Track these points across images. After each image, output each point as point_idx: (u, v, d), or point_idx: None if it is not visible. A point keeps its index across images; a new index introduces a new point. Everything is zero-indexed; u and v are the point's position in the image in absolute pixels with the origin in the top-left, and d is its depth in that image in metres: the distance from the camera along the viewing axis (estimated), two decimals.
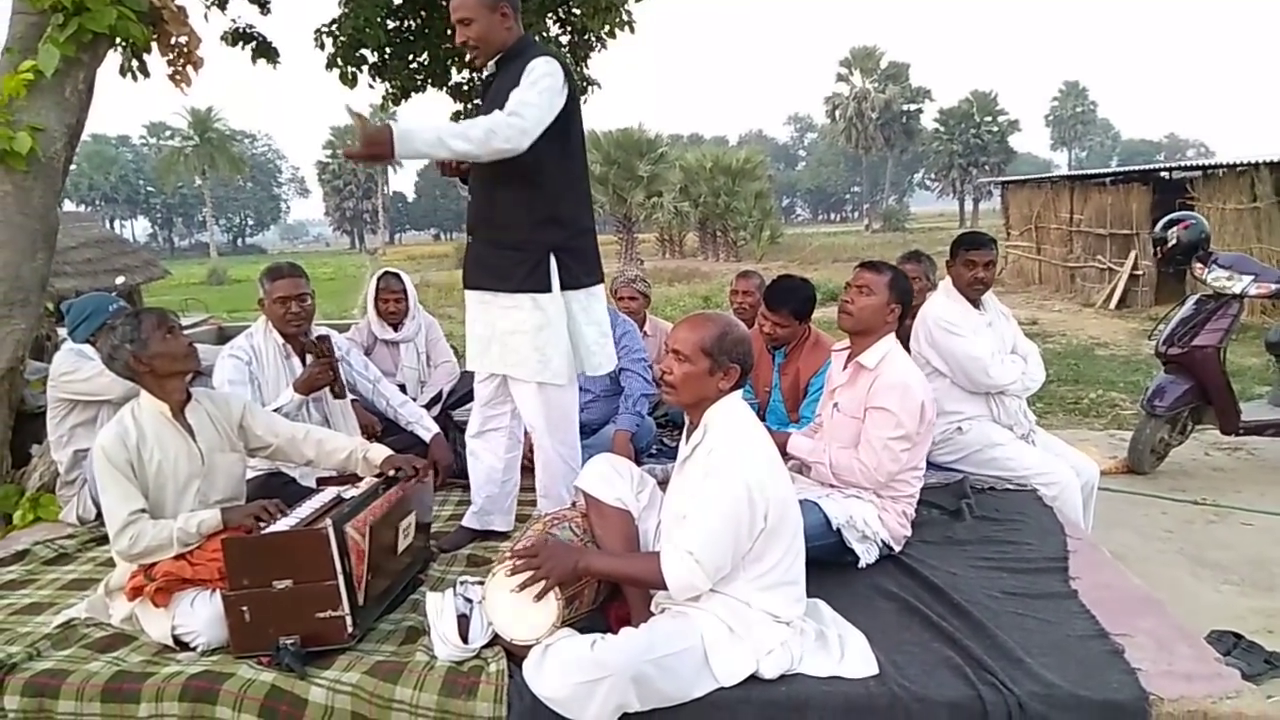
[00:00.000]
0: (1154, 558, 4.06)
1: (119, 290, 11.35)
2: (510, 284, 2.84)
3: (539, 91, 2.62)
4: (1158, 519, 4.59)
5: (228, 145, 53.23)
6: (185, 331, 2.71)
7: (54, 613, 2.65)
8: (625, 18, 7.32)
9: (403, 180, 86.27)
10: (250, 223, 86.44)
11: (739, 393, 2.25)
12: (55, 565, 3.11)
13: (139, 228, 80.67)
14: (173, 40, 3.89)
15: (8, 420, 3.74)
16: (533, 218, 2.81)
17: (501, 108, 2.63)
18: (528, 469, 3.33)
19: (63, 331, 4.18)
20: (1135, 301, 14.23)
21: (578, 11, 7.58)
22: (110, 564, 3.01)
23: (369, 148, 2.45)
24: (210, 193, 61.54)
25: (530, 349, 2.85)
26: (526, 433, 3.27)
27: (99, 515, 3.41)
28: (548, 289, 2.86)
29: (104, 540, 3.30)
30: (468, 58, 2.80)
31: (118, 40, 3.70)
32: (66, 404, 3.46)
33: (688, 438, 2.30)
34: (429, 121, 2.58)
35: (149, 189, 72.09)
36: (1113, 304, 14.41)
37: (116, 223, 69.05)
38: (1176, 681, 2.04)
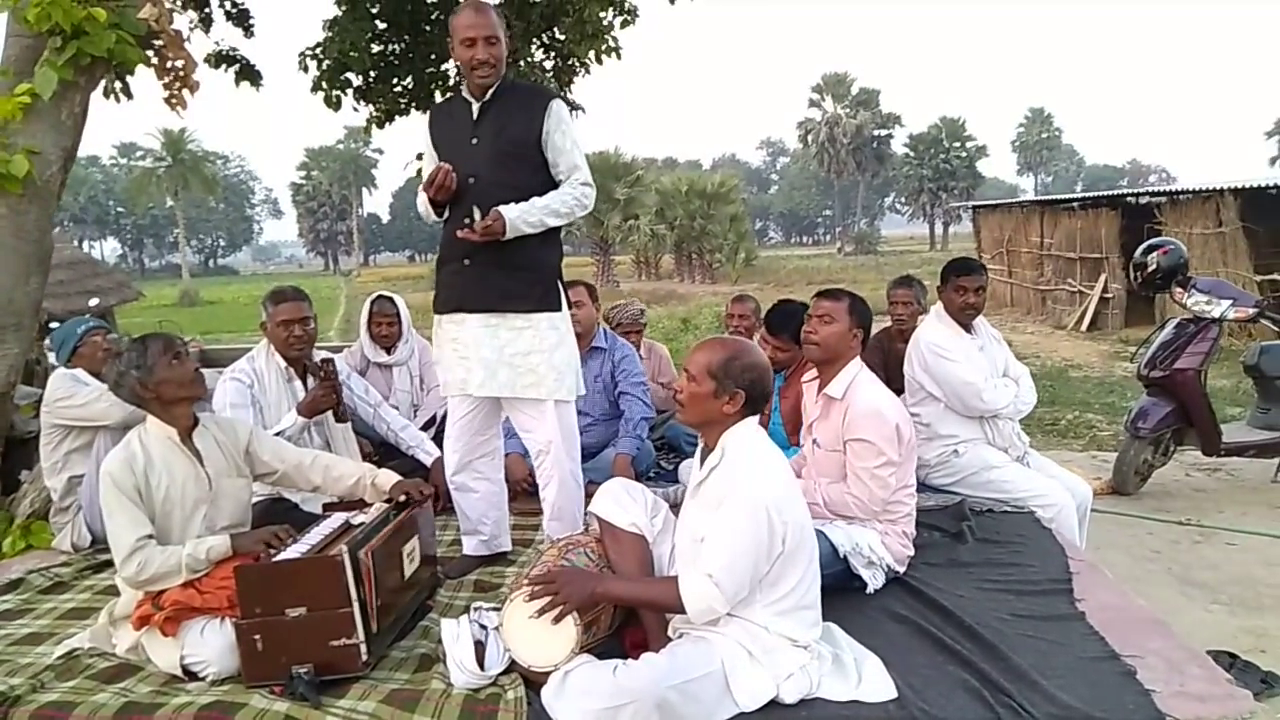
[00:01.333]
0: (1143, 578, 4.11)
1: (92, 311, 11.21)
2: (527, 304, 2.86)
3: (579, 148, 2.90)
4: (1144, 539, 4.66)
5: (201, 166, 52.70)
6: None
7: (55, 643, 2.60)
8: (612, 44, 7.41)
9: (377, 202, 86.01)
10: (222, 244, 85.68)
11: (755, 419, 2.27)
12: (52, 594, 3.05)
13: (108, 248, 79.65)
14: (169, 64, 3.88)
15: None
16: (543, 240, 2.86)
17: (515, 135, 2.81)
18: (527, 493, 3.33)
19: (53, 356, 4.13)
20: (1106, 324, 14.51)
21: (563, 37, 7.67)
22: (109, 592, 2.99)
23: (489, 235, 2.71)
24: (183, 214, 60.89)
25: (548, 368, 2.88)
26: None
27: (94, 542, 3.40)
28: (559, 308, 2.93)
29: (101, 568, 3.27)
30: (480, 77, 2.79)
31: (114, 64, 3.68)
32: (61, 430, 3.41)
33: (702, 461, 2.31)
34: (530, 210, 2.77)
35: (119, 209, 71.21)
36: (1084, 326, 14.69)
37: (85, 243, 68.07)
38: (1190, 702, 2.07)
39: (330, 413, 3.33)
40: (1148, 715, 2.02)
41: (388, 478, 2.81)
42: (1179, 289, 5.23)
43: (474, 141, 2.86)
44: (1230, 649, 3.26)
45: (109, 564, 3.26)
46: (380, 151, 72.86)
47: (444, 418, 4.50)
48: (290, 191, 74.63)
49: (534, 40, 7.73)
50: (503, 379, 2.89)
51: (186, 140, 51.45)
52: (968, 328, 3.78)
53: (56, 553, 3.44)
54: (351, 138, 70.67)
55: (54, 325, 3.64)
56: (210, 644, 2.33)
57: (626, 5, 7.46)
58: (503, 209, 2.73)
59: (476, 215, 2.72)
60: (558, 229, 2.91)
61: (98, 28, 3.38)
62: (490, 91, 2.84)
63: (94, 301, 13.01)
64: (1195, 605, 3.85)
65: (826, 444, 2.97)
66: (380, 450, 3.86)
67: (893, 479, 2.84)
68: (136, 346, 2.51)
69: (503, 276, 2.85)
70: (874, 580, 2.80)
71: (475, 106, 2.86)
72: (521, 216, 2.75)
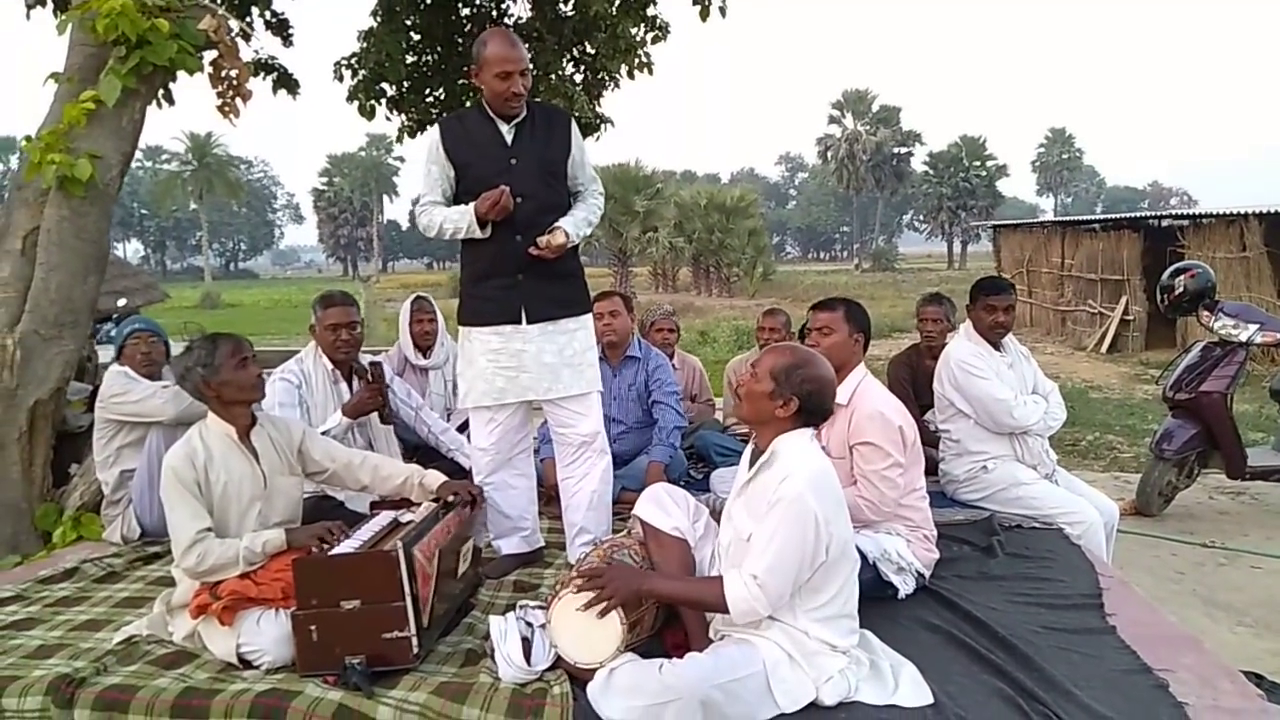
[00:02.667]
0: (1168, 599, 4.14)
1: (120, 312, 11.38)
2: (578, 308, 3.12)
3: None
4: (1168, 560, 4.69)
5: (226, 170, 53.39)
6: None
7: (113, 629, 2.69)
8: (645, 59, 7.51)
9: (398, 209, 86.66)
10: (243, 248, 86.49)
11: (810, 430, 2.33)
12: (105, 583, 3.15)
13: (130, 250, 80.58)
14: (223, 73, 4.00)
15: (51, 440, 3.78)
16: (574, 247, 3.09)
17: (553, 154, 3.05)
18: (553, 498, 3.43)
19: (104, 353, 4.25)
20: (1126, 346, 14.45)
21: (594, 52, 7.79)
22: (161, 583, 3.08)
23: (557, 253, 2.95)
24: (206, 217, 61.58)
25: (590, 361, 3.12)
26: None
27: (143, 535, 3.49)
28: (592, 308, 3.26)
29: (151, 560, 3.37)
30: (512, 107, 2.95)
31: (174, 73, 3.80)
32: (114, 425, 3.51)
33: (752, 462, 2.38)
34: (579, 223, 3.05)
35: (143, 212, 72.04)
36: (1104, 348, 14.63)
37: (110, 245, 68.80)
38: (1223, 716, 2.12)
39: (375, 414, 3.42)
40: None
41: (435, 478, 2.89)
42: (1206, 312, 5.26)
43: (513, 162, 2.98)
44: (1257, 670, 3.29)
45: (159, 556, 3.38)
46: (401, 160, 73.47)
47: None
48: (312, 197, 75.34)
49: (565, 55, 7.86)
50: (566, 379, 3.06)
51: (213, 145, 52.09)
52: (997, 345, 3.83)
53: (107, 544, 3.54)
54: (374, 145, 71.39)
55: (105, 324, 3.75)
56: (266, 633, 2.42)
57: (659, 21, 7.58)
58: (562, 223, 2.97)
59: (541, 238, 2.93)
60: None
61: (160, 38, 3.50)
62: (524, 114, 2.99)
63: (122, 302, 13.19)
64: (1221, 627, 3.87)
65: (834, 449, 3.02)
66: (416, 453, 3.95)
67: (901, 480, 2.90)
68: (206, 345, 2.60)
69: (557, 286, 3.05)
70: (905, 586, 2.85)
71: (507, 128, 2.98)
72: (576, 230, 3.01)
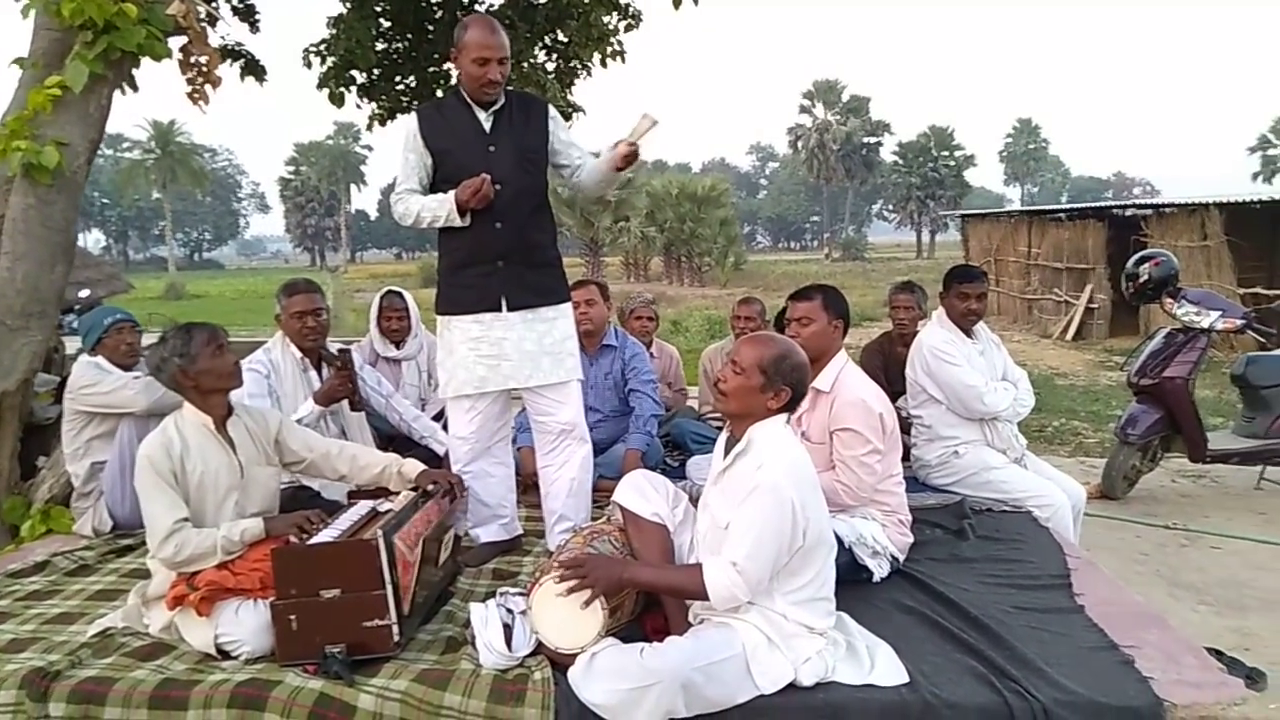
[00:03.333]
0: (1133, 579, 4.24)
1: (82, 303, 11.18)
2: (556, 296, 3.11)
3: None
4: (1133, 542, 4.80)
5: (190, 159, 52.46)
6: None
7: (87, 622, 2.67)
8: (617, 47, 7.49)
9: (366, 199, 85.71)
10: (208, 237, 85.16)
11: (784, 417, 2.36)
12: (77, 576, 3.11)
13: (92, 239, 78.96)
14: (193, 59, 3.94)
15: (18, 432, 3.72)
16: (553, 235, 3.15)
17: (531, 142, 3.03)
18: (531, 487, 3.44)
19: (70, 344, 4.18)
20: (1091, 334, 14.71)
21: (567, 40, 7.75)
22: (134, 575, 3.05)
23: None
24: (169, 206, 60.51)
25: (568, 351, 3.13)
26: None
27: (115, 527, 3.46)
28: (570, 297, 3.25)
29: (123, 552, 3.33)
30: (488, 94, 2.93)
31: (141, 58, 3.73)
32: (85, 416, 3.47)
33: (727, 450, 2.40)
34: (598, 168, 3.06)
35: (104, 201, 70.68)
36: (1069, 336, 14.88)
37: None
38: (1187, 689, 2.18)
39: (346, 402, 3.41)
40: (1147, 701, 2.13)
41: (414, 466, 2.89)
42: (1169, 300, 5.37)
43: (491, 149, 2.97)
44: (1217, 646, 3.39)
45: (131, 548, 3.35)
46: (369, 148, 72.84)
47: None
48: (278, 186, 74.37)
49: (538, 43, 7.81)
50: (546, 367, 3.06)
51: (176, 133, 51.16)
52: (969, 333, 3.89)
53: (78, 537, 3.48)
54: (341, 133, 70.52)
55: (67, 315, 3.69)
56: (245, 624, 2.41)
57: (631, 10, 7.56)
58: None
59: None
60: (556, 229, 3.22)
61: (128, 23, 3.44)
62: (502, 101, 2.99)
63: (85, 293, 12.96)
64: (1183, 605, 3.98)
65: (814, 435, 3.06)
66: (390, 443, 3.93)
67: (879, 466, 2.95)
68: (181, 335, 2.58)
69: (536, 274, 3.05)
70: (879, 570, 2.90)
71: (484, 115, 2.98)
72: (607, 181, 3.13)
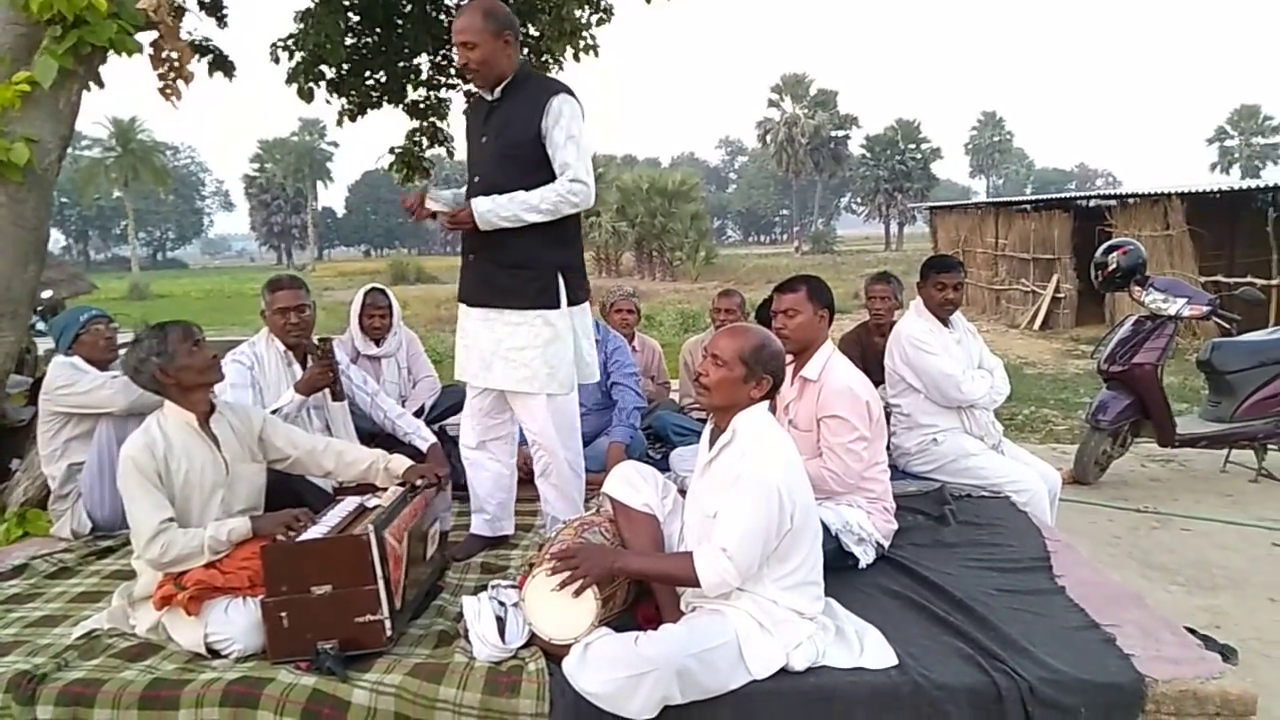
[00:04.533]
0: (1106, 561, 4.33)
1: (45, 304, 10.96)
2: (522, 301, 2.92)
3: (576, 143, 2.84)
4: (1105, 526, 4.90)
5: (152, 157, 51.50)
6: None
7: (71, 624, 2.64)
8: (590, 41, 7.48)
9: (333, 195, 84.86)
10: (171, 237, 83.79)
11: (766, 403, 2.39)
12: (58, 579, 3.06)
13: (52, 240, 77.34)
14: (164, 54, 3.89)
15: None
16: (544, 239, 2.90)
17: (514, 135, 2.85)
18: (525, 480, 3.43)
19: (42, 344, 4.11)
20: (1058, 323, 14.95)
21: (538, 35, 7.73)
22: (116, 576, 3.02)
23: (456, 225, 2.87)
24: (131, 205, 59.45)
25: (540, 363, 2.94)
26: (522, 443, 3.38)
27: (94, 529, 3.41)
28: (557, 305, 2.96)
29: (104, 554, 3.30)
30: (469, 80, 2.90)
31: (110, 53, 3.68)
32: (61, 417, 3.41)
33: (712, 442, 2.43)
34: (503, 202, 2.82)
35: (64, 200, 69.26)
36: (1036, 325, 15.11)
37: None
38: (1166, 665, 2.25)
39: (328, 392, 3.40)
40: (1129, 677, 2.19)
41: (400, 462, 2.89)
42: (1137, 288, 5.48)
43: (483, 140, 2.95)
44: (1190, 625, 3.48)
45: (112, 549, 3.31)
46: (336, 145, 71.96)
47: (432, 408, 4.61)
48: (243, 184, 73.31)
49: None
50: (498, 372, 2.99)
51: (137, 130, 50.20)
52: (946, 322, 3.95)
53: (56, 539, 3.43)
54: (307, 130, 69.64)
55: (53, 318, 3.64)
56: (236, 622, 2.39)
57: (602, 3, 7.54)
58: (474, 200, 2.81)
59: (432, 203, 2.85)
60: (563, 227, 2.93)
61: (98, 17, 3.38)
62: (502, 88, 2.91)
63: (47, 294, 12.69)
64: (1156, 586, 4.07)
65: (802, 423, 3.10)
66: (373, 441, 3.91)
67: (865, 453, 2.99)
68: (156, 334, 2.56)
69: (501, 273, 2.93)
70: (865, 556, 2.94)
71: (489, 104, 2.94)
72: (493, 210, 2.80)
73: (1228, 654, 3.24)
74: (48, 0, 3.25)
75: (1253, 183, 14.05)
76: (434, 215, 2.88)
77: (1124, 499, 5.32)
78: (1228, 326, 5.62)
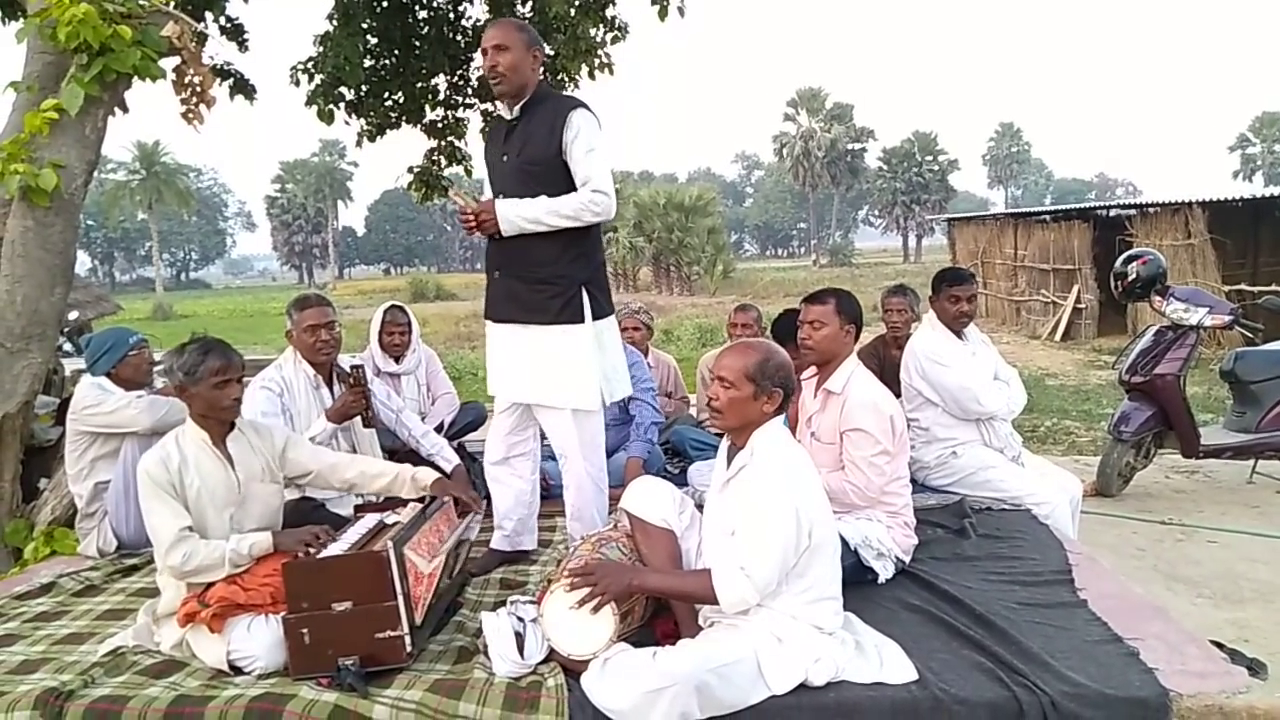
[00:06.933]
0: (1131, 574, 4.27)
1: (71, 326, 11.12)
2: (545, 317, 2.95)
3: (597, 156, 2.87)
4: (1129, 538, 4.84)
5: (175, 179, 52.26)
6: None
7: (97, 642, 2.67)
8: (605, 59, 7.54)
9: (353, 215, 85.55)
10: (194, 257, 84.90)
11: (781, 418, 2.40)
12: (85, 597, 3.11)
13: (78, 262, 78.59)
14: (187, 79, 3.96)
15: (19, 454, 3.72)
16: (567, 254, 2.94)
17: (534, 153, 2.89)
18: (544, 496, 3.44)
19: (68, 365, 4.18)
20: (1079, 334, 14.83)
21: (553, 54, 7.80)
22: (141, 594, 3.06)
23: (477, 226, 2.89)
24: (155, 227, 60.31)
25: (565, 378, 2.97)
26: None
27: (120, 547, 3.46)
28: (581, 320, 2.98)
29: (129, 572, 3.34)
30: (493, 85, 2.91)
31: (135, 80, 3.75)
32: (88, 437, 3.46)
33: (729, 460, 2.44)
34: (530, 206, 2.86)
35: (89, 222, 70.38)
36: (1058, 336, 15.01)
37: None
38: (1191, 679, 2.22)
39: (359, 419, 3.42)
40: (1153, 692, 2.17)
41: (427, 473, 2.92)
42: (1158, 298, 5.44)
43: (504, 158, 2.98)
44: (1216, 639, 3.43)
45: (137, 568, 3.35)
46: (355, 165, 72.75)
47: (451, 424, 4.64)
48: (264, 204, 74.22)
49: None
50: (525, 387, 3.04)
51: (161, 153, 50.96)
52: (960, 334, 3.94)
53: (82, 558, 3.48)
54: (327, 150, 70.44)
55: (86, 336, 3.69)
56: (258, 639, 2.41)
57: (618, 22, 7.61)
58: (498, 202, 2.87)
59: (456, 200, 2.94)
60: (586, 242, 2.97)
61: (123, 45, 3.45)
62: (522, 105, 2.95)
63: (74, 315, 12.86)
64: (1181, 599, 4.01)
65: (825, 436, 3.10)
66: (395, 458, 3.93)
67: (888, 467, 2.98)
68: (197, 354, 2.57)
69: (526, 290, 2.97)
70: (884, 571, 2.93)
71: (507, 124, 2.99)
72: (518, 212, 2.85)
73: (1256, 668, 3.20)
74: (74, 29, 3.32)
75: (1276, 190, 13.91)
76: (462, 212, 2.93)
77: (1148, 511, 5.26)
78: (1252, 335, 5.56)
